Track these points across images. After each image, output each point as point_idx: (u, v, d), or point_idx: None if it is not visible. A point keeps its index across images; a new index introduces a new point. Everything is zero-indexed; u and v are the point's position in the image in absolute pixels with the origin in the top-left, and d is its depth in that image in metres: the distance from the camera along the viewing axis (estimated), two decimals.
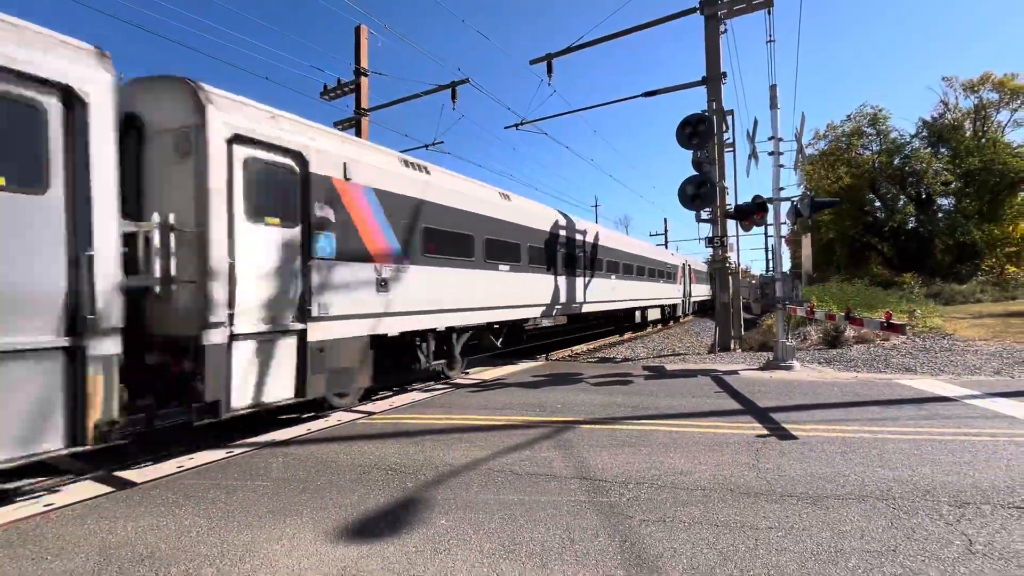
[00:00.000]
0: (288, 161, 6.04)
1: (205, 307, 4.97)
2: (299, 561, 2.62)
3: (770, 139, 9.64)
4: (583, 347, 15.57)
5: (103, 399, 4.21)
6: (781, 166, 9.62)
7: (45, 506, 3.41)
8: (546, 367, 10.09)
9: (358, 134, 15.78)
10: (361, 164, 7.05)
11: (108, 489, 3.74)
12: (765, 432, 4.80)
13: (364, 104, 15.96)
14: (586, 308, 14.53)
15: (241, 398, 5.31)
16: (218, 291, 5.07)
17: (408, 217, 7.84)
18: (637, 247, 20.66)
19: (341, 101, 16.55)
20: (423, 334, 8.16)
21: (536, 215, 12.02)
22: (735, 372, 8.62)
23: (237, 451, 4.65)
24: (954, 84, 39.73)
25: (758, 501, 3.20)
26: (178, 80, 5.31)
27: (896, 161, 38.39)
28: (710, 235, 12.99)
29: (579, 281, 14.10)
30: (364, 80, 15.82)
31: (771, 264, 17.93)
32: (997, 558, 2.45)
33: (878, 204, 41.09)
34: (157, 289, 4.86)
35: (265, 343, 5.64)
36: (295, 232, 6.04)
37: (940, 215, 38.17)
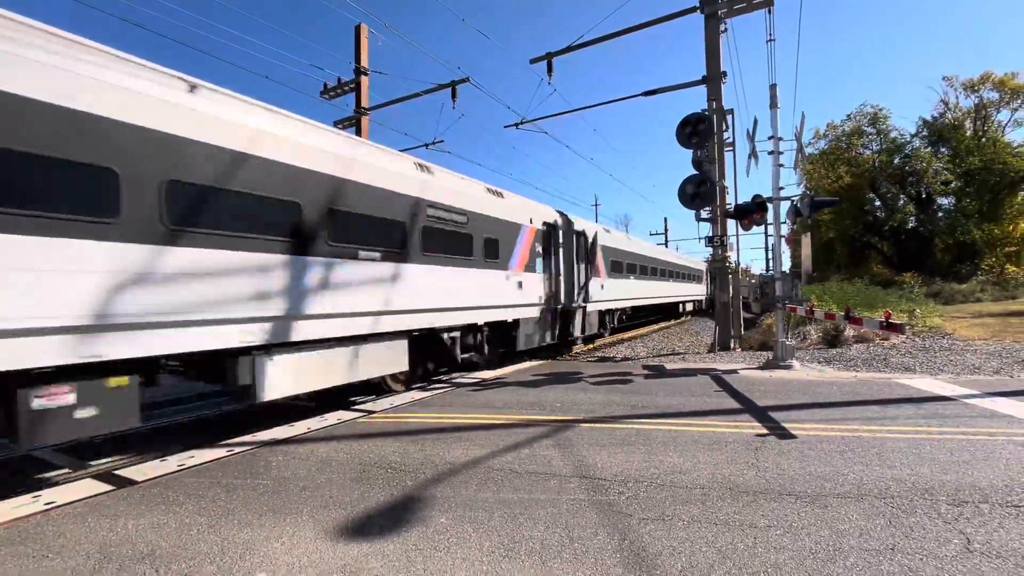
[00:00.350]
0: (582, 237, 13.85)
1: (572, 297, 13.08)
2: (299, 559, 2.63)
3: (770, 138, 9.62)
4: (583, 346, 15.58)
5: (557, 326, 12.59)
6: (781, 165, 9.61)
7: (46, 504, 3.42)
8: (545, 366, 10.10)
9: (358, 133, 15.78)
10: (597, 232, 15.18)
11: (109, 487, 3.75)
12: (764, 431, 4.81)
13: (364, 103, 15.96)
14: (656, 301, 23.20)
15: (576, 332, 13.38)
16: (573, 291, 13.05)
17: (609, 255, 16.16)
18: (681, 259, 30.74)
19: (341, 100, 16.55)
20: (611, 312, 17.15)
21: (640, 244, 21.33)
22: (735, 371, 8.62)
23: (237, 449, 4.66)
24: (954, 83, 39.69)
25: (757, 500, 3.21)
26: (563, 213, 12.93)
27: (896, 160, 38.30)
28: (710, 234, 12.99)
29: (655, 283, 22.92)
30: (364, 79, 15.81)
31: (771, 263, 18.01)
32: (995, 556, 2.46)
33: (878, 203, 41.01)
34: (564, 288, 12.65)
35: (579, 311, 13.60)
36: (584, 266, 13.87)
37: (940, 214, 38.12)
